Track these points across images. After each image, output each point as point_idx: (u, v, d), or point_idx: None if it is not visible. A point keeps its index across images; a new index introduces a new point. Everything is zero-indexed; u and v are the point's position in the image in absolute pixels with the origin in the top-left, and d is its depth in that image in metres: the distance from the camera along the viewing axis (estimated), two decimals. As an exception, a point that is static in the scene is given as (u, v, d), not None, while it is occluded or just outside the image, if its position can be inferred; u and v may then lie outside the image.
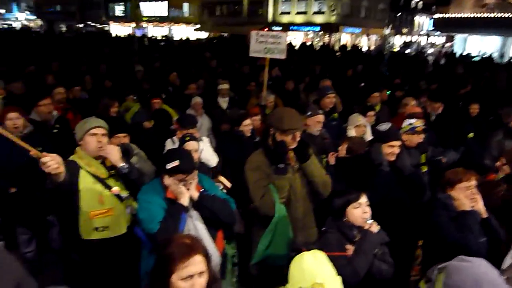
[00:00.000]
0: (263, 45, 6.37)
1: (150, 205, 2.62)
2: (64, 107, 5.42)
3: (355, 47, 25.19)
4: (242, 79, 9.23)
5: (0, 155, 3.87)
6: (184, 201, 2.60)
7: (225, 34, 36.22)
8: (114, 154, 2.95)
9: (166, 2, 47.74)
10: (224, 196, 2.92)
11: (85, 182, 2.91)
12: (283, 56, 6.44)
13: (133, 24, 45.38)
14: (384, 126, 3.51)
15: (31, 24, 54.13)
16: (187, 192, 2.61)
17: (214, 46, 22.05)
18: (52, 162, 2.53)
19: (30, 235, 4.18)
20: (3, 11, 61.07)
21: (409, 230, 3.33)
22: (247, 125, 4.48)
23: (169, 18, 48.09)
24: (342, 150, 4.00)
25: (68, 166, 2.76)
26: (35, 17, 61.40)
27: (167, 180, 2.60)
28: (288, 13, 39.69)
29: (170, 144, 4.16)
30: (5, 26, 47.58)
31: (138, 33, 25.64)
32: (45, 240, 4.44)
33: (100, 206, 2.94)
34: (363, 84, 9.27)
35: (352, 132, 4.65)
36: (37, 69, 9.26)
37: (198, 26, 42.74)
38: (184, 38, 29.47)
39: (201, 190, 2.70)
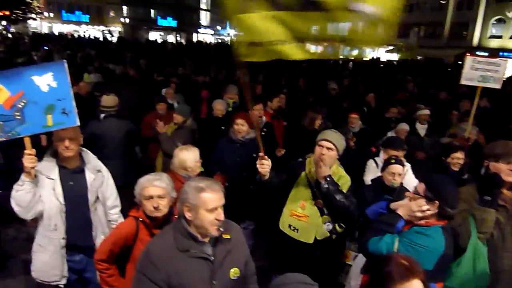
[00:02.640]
0: (478, 72, 5.77)
1: None
2: (273, 114, 6.05)
3: None
4: (438, 106, 8.58)
5: (224, 153, 4.58)
6: None
7: (419, 57, 34.27)
8: (323, 171, 3.03)
9: (360, 22, 48.22)
10: None
11: (301, 182, 3.19)
12: (498, 85, 5.74)
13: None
14: None
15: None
16: None
17: (407, 69, 21.09)
18: (265, 165, 2.96)
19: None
20: (219, 28, 72.44)
21: None
22: (456, 158, 4.10)
23: (361, 38, 48.41)
24: None
25: (294, 164, 3.19)
26: (243, 33, 70.65)
27: None
28: (500, 37, 34.80)
29: (373, 165, 4.14)
30: (219, 40, 56.02)
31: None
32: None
33: (300, 210, 3.17)
34: None
35: None
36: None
37: (390, 47, 41.62)
38: (374, 58, 29.10)
39: None
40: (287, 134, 6.02)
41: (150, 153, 5.78)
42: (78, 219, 3.05)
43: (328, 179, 3.03)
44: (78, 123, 2.84)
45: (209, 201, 2.05)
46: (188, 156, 3.47)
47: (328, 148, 3.10)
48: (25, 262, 4.02)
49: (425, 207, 2.36)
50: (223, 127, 5.24)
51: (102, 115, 5.02)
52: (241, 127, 4.45)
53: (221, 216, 2.08)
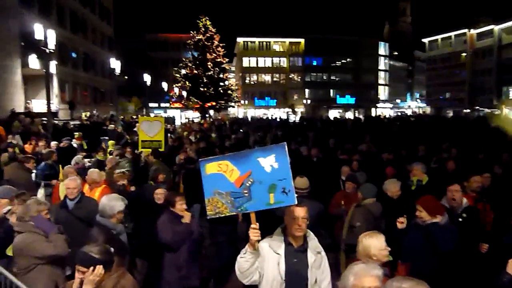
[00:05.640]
0: None
1: None
2: (476, 197, 5.24)
3: None
4: None
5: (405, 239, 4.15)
6: None
7: None
8: None
9: None
10: None
11: None
12: None
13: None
14: None
15: (420, 111, 59.31)
16: None
17: None
18: None
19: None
20: (398, 100, 70.75)
21: None
22: None
23: None
24: None
25: None
26: (425, 104, 67.24)
27: None
28: None
29: None
30: (398, 113, 54.30)
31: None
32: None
33: None
34: None
35: None
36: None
37: None
38: None
39: None
40: (498, 222, 5.02)
41: (336, 231, 5.69)
42: (296, 296, 3.08)
43: None
44: (296, 202, 2.93)
45: None
46: (372, 243, 3.21)
47: None
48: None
49: None
50: (404, 207, 4.81)
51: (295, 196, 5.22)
52: (419, 212, 4.13)
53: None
